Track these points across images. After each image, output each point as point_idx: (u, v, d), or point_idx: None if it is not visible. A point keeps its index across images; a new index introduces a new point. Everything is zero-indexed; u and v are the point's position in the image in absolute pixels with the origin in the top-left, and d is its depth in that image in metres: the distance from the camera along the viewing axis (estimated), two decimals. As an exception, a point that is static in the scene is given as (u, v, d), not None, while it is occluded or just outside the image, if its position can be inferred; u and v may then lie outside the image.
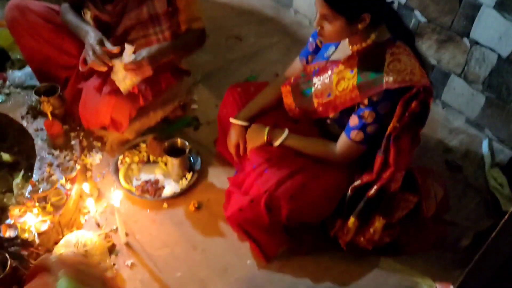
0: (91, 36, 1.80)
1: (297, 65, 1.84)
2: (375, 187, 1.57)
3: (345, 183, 1.65)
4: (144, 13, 1.90)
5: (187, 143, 1.97)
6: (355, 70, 1.52)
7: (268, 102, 1.84)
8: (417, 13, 2.27)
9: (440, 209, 1.78)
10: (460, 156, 2.16)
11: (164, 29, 1.96)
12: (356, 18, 1.43)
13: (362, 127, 1.53)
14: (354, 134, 1.55)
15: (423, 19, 2.26)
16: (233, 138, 1.84)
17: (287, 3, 3.07)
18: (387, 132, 1.49)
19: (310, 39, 1.77)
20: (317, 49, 1.75)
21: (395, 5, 2.35)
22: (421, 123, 1.53)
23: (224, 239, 1.77)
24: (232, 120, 1.83)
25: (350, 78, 1.53)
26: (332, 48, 1.67)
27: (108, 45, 1.80)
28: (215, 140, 2.11)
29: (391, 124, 1.48)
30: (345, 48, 1.59)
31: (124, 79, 1.83)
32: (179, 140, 1.99)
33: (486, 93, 2.15)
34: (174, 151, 1.95)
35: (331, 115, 1.63)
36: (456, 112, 2.33)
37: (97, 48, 1.77)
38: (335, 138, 1.64)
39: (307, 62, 1.79)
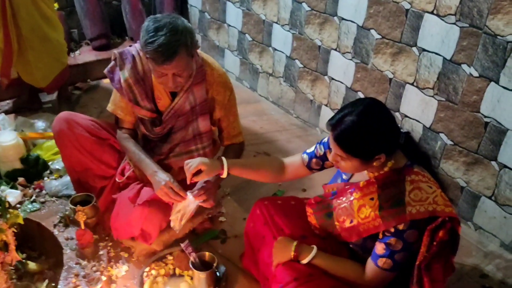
0: (161, 177, 1.87)
1: (298, 160, 1.83)
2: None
3: (379, 309, 1.57)
4: (189, 133, 2.03)
5: (215, 258, 1.95)
6: (375, 197, 1.53)
7: (257, 167, 1.88)
8: (443, 136, 2.35)
9: None
10: (497, 282, 2.06)
11: (206, 146, 2.07)
12: (371, 159, 1.47)
13: (390, 255, 1.49)
14: (382, 262, 1.51)
15: (449, 142, 2.32)
16: (196, 161, 1.75)
17: (314, 123, 3.22)
18: (417, 262, 1.45)
19: (320, 145, 1.77)
20: (323, 156, 1.75)
21: (421, 128, 2.45)
22: (453, 251, 1.49)
23: None
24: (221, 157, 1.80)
25: (372, 205, 1.53)
26: None
27: (175, 185, 1.86)
28: (241, 255, 2.08)
29: (420, 253, 1.44)
30: (362, 172, 1.61)
31: (181, 219, 1.87)
32: (207, 254, 1.98)
33: (519, 216, 2.12)
34: (201, 265, 1.93)
35: (354, 240, 1.61)
36: (490, 235, 2.27)
37: (171, 191, 1.84)
38: (362, 259, 1.61)
39: (309, 163, 1.79)
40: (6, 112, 3.07)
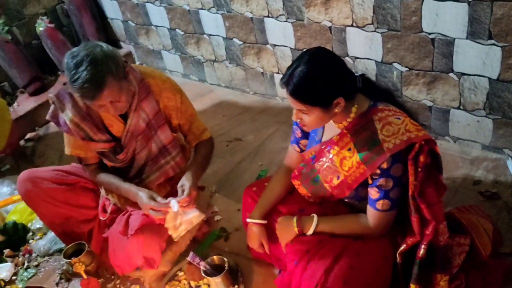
0: (142, 196, 1.87)
1: (292, 152, 1.85)
2: (423, 246, 1.51)
3: (391, 251, 1.59)
4: (154, 149, 1.99)
5: (225, 258, 1.94)
6: (352, 146, 1.54)
7: (278, 194, 1.83)
8: (396, 65, 2.36)
9: (495, 243, 1.72)
10: (491, 183, 2.12)
11: (175, 156, 2.04)
12: (330, 105, 1.47)
13: (385, 195, 1.51)
14: (381, 205, 1.53)
15: (404, 69, 2.34)
16: (253, 239, 1.82)
17: (272, 94, 3.19)
18: (410, 192, 1.48)
19: (294, 127, 1.79)
20: (305, 134, 1.77)
21: (374, 64, 2.46)
22: (439, 170, 1.52)
23: None
24: (248, 220, 1.81)
25: (351, 156, 1.54)
26: (320, 130, 1.69)
27: (159, 199, 1.86)
28: (247, 246, 2.07)
29: (410, 183, 1.47)
30: (332, 126, 1.62)
31: (177, 227, 1.87)
32: (215, 257, 1.96)
33: (491, 116, 2.17)
34: (214, 269, 1.91)
35: (347, 194, 1.63)
36: (470, 142, 2.33)
37: (153, 203, 1.84)
38: (361, 209, 1.63)
39: (300, 148, 1.81)
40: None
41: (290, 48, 2.83)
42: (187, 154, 2.17)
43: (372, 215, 1.57)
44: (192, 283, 2.00)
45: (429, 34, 2.15)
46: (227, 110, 3.26)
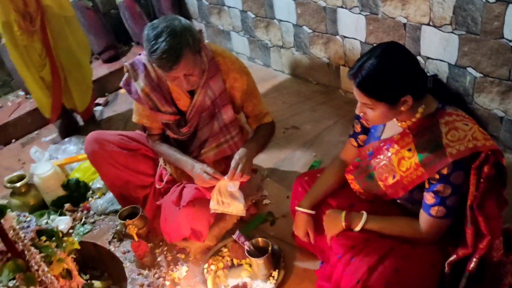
0: (197, 168, 1.94)
1: (349, 145, 1.83)
2: (474, 259, 1.46)
3: (440, 260, 1.55)
4: (216, 127, 2.04)
5: (269, 241, 1.97)
6: (412, 147, 1.49)
7: (330, 186, 1.83)
8: (471, 70, 2.26)
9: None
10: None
11: (234, 136, 2.08)
12: (397, 102, 1.43)
13: (441, 202, 1.46)
14: (435, 211, 1.48)
15: (478, 74, 2.24)
16: (299, 228, 1.82)
17: (336, 86, 3.16)
18: (469, 203, 1.42)
19: (355, 121, 1.76)
20: (365, 129, 1.74)
21: (446, 66, 2.36)
22: (502, 184, 1.45)
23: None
24: (297, 208, 1.82)
25: (410, 156, 1.50)
26: (380, 127, 1.66)
27: (210, 171, 1.93)
28: (293, 234, 2.09)
29: (470, 193, 1.41)
30: (394, 124, 1.58)
31: (221, 202, 1.92)
32: (260, 240, 2.00)
33: None
34: (257, 251, 1.95)
35: (401, 195, 1.59)
36: (540, 160, 2.21)
37: (205, 175, 1.90)
38: (413, 213, 1.59)
39: (358, 143, 1.78)
40: (55, 142, 3.15)
41: (360, 41, 2.78)
42: (245, 136, 2.21)
43: (424, 220, 1.53)
44: (235, 261, 2.05)
45: (510, 41, 2.04)
46: (288, 97, 3.26)
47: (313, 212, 1.80)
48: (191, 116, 2.00)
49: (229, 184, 1.90)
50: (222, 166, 2.17)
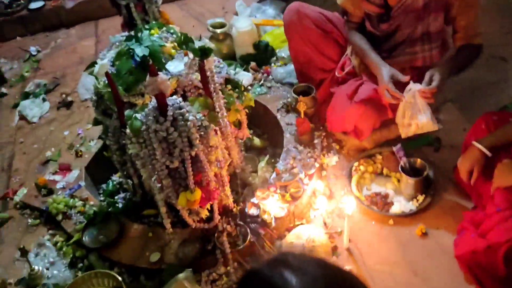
0: (384, 72, 1.86)
1: None
2: None
3: None
4: (417, 32, 1.91)
5: (426, 165, 1.91)
6: None
7: None
8: None
9: None
10: None
11: (433, 47, 1.94)
12: None
13: None
14: None
15: None
16: (467, 163, 1.70)
17: None
18: None
19: None
20: None
21: None
22: None
23: (449, 275, 1.67)
24: (474, 143, 1.69)
25: None
26: None
27: (400, 77, 1.85)
28: (455, 167, 1.98)
29: None
30: None
31: (408, 125, 1.86)
32: (418, 160, 1.95)
33: None
34: (411, 170, 1.92)
35: None
36: None
37: (391, 86, 1.83)
38: None
39: None
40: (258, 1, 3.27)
41: None
42: (444, 51, 2.03)
43: None
44: (385, 171, 2.06)
45: None
46: (509, 22, 2.82)
47: (489, 154, 1.66)
48: (397, 13, 1.88)
49: (416, 94, 1.79)
50: (407, 75, 2.07)
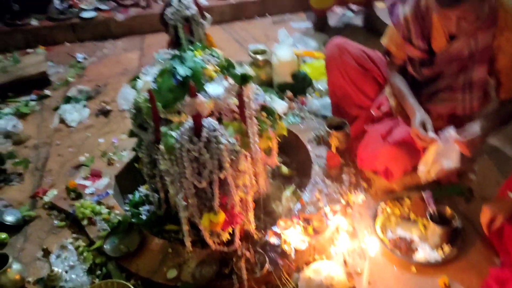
0: (417, 117, 1.86)
1: None
2: None
3: None
4: (459, 80, 1.90)
5: (455, 215, 1.87)
6: None
7: None
8: None
9: None
10: None
11: (474, 98, 1.92)
12: None
13: None
14: None
15: None
16: (498, 212, 1.65)
17: None
18: None
19: None
20: None
21: None
22: None
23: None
24: (510, 194, 1.63)
25: None
26: None
27: (429, 127, 1.83)
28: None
29: None
30: None
31: (429, 171, 1.85)
32: (447, 209, 1.90)
33: None
34: (439, 218, 1.88)
35: None
36: None
37: (421, 130, 1.82)
38: None
39: None
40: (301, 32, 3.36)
41: None
42: (486, 102, 2.00)
43: None
44: (412, 215, 2.02)
45: None
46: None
47: None
48: (441, 60, 1.88)
49: (452, 139, 1.76)
50: (443, 121, 2.05)
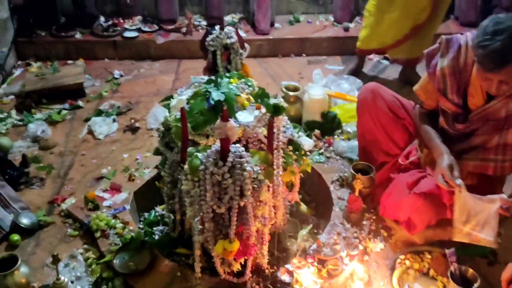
0: (444, 158, 1.84)
1: None
2: None
3: None
4: (493, 141, 1.87)
5: (478, 277, 1.78)
6: None
7: None
8: None
9: None
10: None
11: (506, 160, 1.88)
12: None
13: None
14: None
15: None
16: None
17: None
18: None
19: None
20: None
21: None
22: None
23: None
24: None
25: None
26: None
27: (456, 173, 1.80)
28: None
29: None
30: None
31: (467, 234, 1.83)
32: (470, 270, 1.82)
33: None
34: (460, 278, 1.80)
35: None
36: None
37: (447, 172, 1.79)
38: None
39: None
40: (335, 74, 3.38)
41: None
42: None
43: None
44: (431, 272, 1.93)
45: None
46: None
47: None
48: (476, 118, 1.85)
49: (497, 203, 1.75)
50: (473, 179, 1.99)
